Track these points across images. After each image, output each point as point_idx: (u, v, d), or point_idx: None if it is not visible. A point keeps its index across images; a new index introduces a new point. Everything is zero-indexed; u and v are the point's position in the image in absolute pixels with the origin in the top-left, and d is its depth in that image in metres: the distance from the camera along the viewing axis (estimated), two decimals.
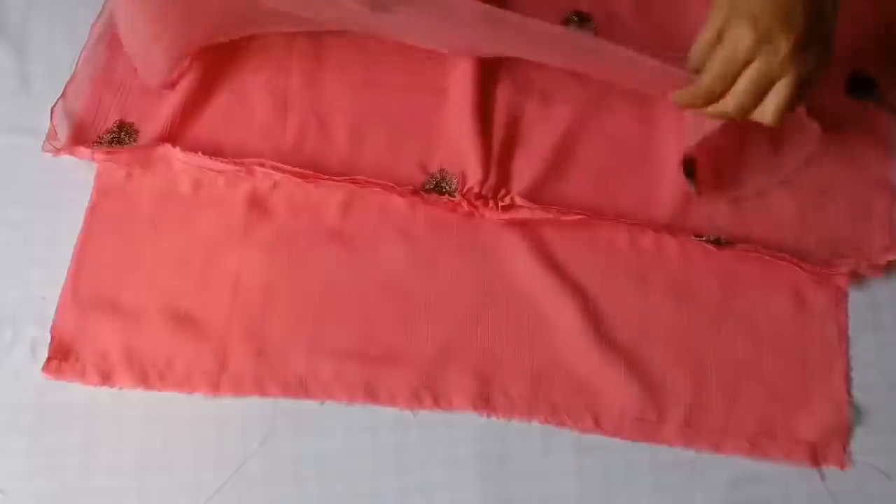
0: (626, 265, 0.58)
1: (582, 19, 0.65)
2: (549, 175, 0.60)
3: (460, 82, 0.62)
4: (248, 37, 0.64)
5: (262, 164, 0.58)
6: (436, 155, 0.61)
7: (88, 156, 0.59)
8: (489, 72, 0.62)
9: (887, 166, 0.61)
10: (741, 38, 0.46)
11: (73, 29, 0.64)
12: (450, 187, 0.59)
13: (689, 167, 0.58)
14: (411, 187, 0.58)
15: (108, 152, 0.59)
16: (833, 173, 0.61)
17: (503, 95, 0.62)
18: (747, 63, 0.46)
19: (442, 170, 0.60)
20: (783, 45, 0.45)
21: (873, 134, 0.62)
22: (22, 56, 0.64)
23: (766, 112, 0.47)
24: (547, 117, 0.62)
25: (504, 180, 0.60)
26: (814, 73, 0.47)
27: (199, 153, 0.58)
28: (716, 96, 0.48)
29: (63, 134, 0.60)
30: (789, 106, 0.47)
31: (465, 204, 0.58)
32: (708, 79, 0.47)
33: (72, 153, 0.59)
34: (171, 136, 0.60)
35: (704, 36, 0.48)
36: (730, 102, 0.47)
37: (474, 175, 0.59)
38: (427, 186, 0.59)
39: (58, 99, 0.60)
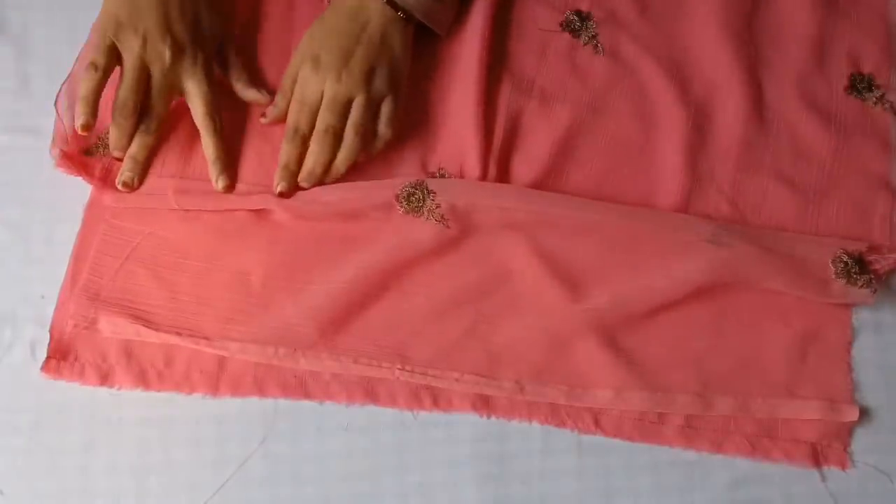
0: None
1: (582, 18, 0.65)
2: (548, 174, 0.60)
3: (461, 81, 0.61)
4: (246, 37, 0.64)
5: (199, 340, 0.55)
6: (435, 154, 0.61)
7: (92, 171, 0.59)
8: (489, 71, 0.62)
9: (887, 166, 0.61)
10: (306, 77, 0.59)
11: (73, 29, 0.64)
12: None
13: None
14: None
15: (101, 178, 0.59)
16: (833, 173, 0.61)
17: (503, 95, 0.62)
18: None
19: (441, 169, 0.60)
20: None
21: (873, 134, 0.62)
22: (22, 56, 0.64)
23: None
24: (547, 116, 0.62)
25: (503, 180, 0.60)
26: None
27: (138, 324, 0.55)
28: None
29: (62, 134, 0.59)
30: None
31: None
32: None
33: (76, 165, 0.59)
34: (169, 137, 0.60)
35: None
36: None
37: (473, 174, 0.59)
38: None
39: (57, 95, 0.59)
